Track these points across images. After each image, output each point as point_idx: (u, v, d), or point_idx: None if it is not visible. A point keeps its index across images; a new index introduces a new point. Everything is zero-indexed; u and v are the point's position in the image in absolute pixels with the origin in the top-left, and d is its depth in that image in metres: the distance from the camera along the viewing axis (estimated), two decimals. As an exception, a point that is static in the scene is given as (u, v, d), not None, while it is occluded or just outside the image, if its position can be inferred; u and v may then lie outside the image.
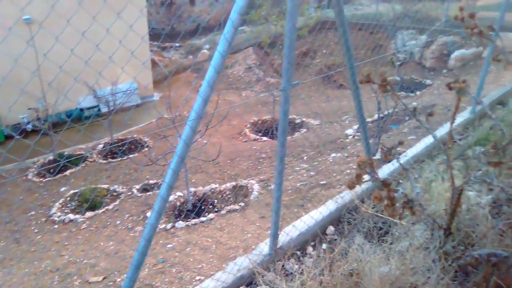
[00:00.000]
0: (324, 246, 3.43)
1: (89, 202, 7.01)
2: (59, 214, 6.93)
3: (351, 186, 1.82)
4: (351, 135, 7.80)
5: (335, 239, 3.57)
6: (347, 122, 8.91)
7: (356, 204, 3.72)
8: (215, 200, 6.63)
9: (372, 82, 2.24)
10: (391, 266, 2.39)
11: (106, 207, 6.98)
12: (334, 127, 8.87)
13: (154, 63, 14.54)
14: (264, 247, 3.34)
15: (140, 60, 10.55)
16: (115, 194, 7.51)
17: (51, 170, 8.67)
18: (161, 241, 5.39)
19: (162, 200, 2.21)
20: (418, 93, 9.51)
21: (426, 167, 4.13)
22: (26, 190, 8.13)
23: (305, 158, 7.28)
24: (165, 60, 15.70)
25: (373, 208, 3.56)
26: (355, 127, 8.02)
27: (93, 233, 6.23)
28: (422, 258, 2.32)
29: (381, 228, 3.42)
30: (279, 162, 2.91)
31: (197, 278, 4.07)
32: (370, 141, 6.35)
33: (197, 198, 6.69)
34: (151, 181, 7.55)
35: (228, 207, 6.06)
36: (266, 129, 9.55)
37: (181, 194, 6.77)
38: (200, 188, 6.94)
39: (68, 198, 7.45)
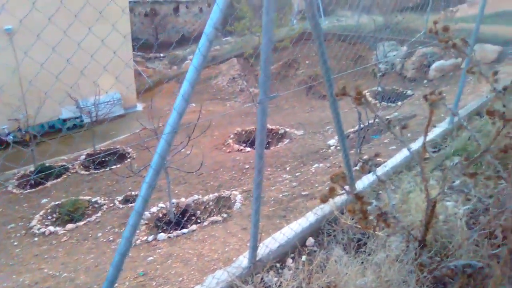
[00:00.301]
0: (303, 258, 3.43)
1: (70, 214, 6.93)
2: (39, 226, 6.82)
3: (324, 200, 1.83)
4: (333, 145, 7.84)
5: (315, 251, 3.57)
6: (329, 133, 8.97)
7: (336, 215, 3.73)
8: (198, 212, 6.60)
9: (347, 95, 2.26)
10: (367, 279, 2.39)
11: (88, 219, 6.89)
12: (317, 138, 8.91)
13: (138, 74, 14.50)
14: (243, 260, 3.32)
15: (123, 71, 10.51)
16: (96, 205, 7.42)
17: (32, 182, 8.56)
18: (142, 254, 5.34)
19: (137, 214, 2.20)
20: (399, 103, 9.61)
21: (405, 177, 4.17)
22: (5, 202, 7.99)
23: (288, 168, 7.30)
24: (149, 70, 15.67)
25: (352, 219, 3.58)
26: (344, 134, 8.08)
27: (74, 245, 6.14)
28: (397, 271, 2.33)
29: (360, 240, 3.44)
30: (257, 174, 2.91)
31: (177, 291, 4.04)
32: (352, 151, 6.42)
33: (179, 209, 6.65)
34: (133, 193, 7.48)
35: (211, 219, 6.03)
36: (249, 140, 9.55)
37: (164, 206, 6.72)
38: (183, 199, 6.91)
39: (49, 210, 7.34)
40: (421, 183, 3.74)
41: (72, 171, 9.13)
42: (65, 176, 8.90)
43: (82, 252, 5.79)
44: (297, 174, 6.83)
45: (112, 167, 8.96)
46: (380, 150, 6.59)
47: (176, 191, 7.30)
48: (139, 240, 5.76)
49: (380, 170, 4.70)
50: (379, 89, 10.08)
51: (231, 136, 9.94)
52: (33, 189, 8.40)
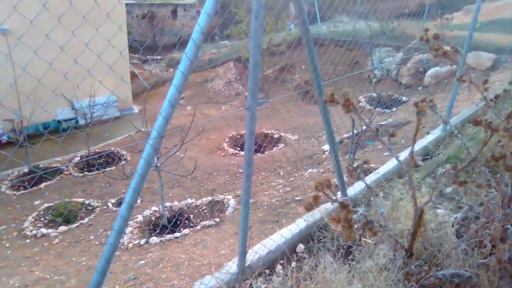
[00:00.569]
0: (293, 264, 3.42)
1: (63, 216, 6.89)
2: (31, 228, 6.78)
3: (308, 208, 1.82)
4: (327, 150, 7.84)
5: (304, 258, 3.56)
6: (324, 138, 8.96)
7: (327, 221, 3.72)
8: (191, 215, 6.59)
9: (336, 102, 2.25)
10: (355, 287, 2.38)
11: (80, 221, 6.87)
12: (312, 143, 8.91)
13: (134, 76, 14.47)
14: (232, 266, 3.31)
15: (119, 73, 10.50)
16: (90, 208, 7.39)
17: (26, 183, 8.52)
18: (134, 257, 5.33)
19: (123, 219, 2.18)
20: (394, 109, 9.62)
21: (395, 185, 4.16)
22: (-2, 203, 7.96)
23: (281, 173, 7.29)
24: (145, 73, 15.65)
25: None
26: (335, 141, 8.09)
27: (66, 248, 6.12)
28: (384, 279, 2.32)
29: (350, 247, 3.43)
30: (246, 180, 2.90)
31: (167, 296, 4.02)
32: (346, 157, 6.42)
33: (172, 213, 6.63)
34: (127, 195, 7.45)
35: (203, 223, 6.02)
36: (244, 144, 9.53)
37: (157, 209, 6.70)
38: (176, 202, 6.89)
39: (42, 212, 7.30)
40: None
41: (66, 172, 9.10)
42: (59, 178, 8.86)
43: (74, 255, 5.76)
44: (291, 179, 6.83)
45: (106, 169, 8.93)
46: (374, 156, 6.59)
47: (170, 194, 7.28)
48: (131, 244, 5.74)
49: (372, 177, 4.69)
50: (375, 95, 10.09)
51: (226, 140, 9.94)
52: (27, 191, 8.36)
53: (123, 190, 7.72)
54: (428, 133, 6.12)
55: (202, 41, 2.13)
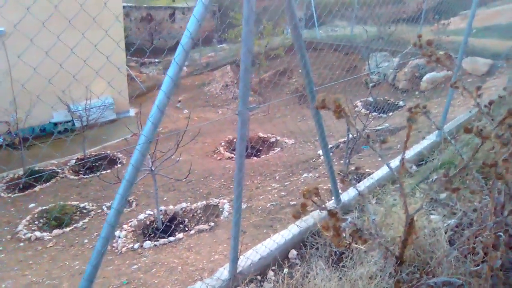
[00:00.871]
0: (285, 271, 3.39)
1: (57, 220, 6.86)
2: (25, 231, 6.75)
3: (296, 216, 1.80)
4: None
5: (297, 264, 3.53)
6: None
7: (319, 227, 3.70)
8: (186, 219, 6.56)
9: (327, 108, 2.23)
10: (345, 294, 2.36)
11: (75, 225, 6.84)
12: (308, 147, 8.90)
13: (131, 79, 14.46)
14: (223, 272, 3.28)
15: (116, 76, 10.48)
16: (84, 211, 7.36)
17: (20, 186, 8.49)
18: (127, 262, 5.29)
19: (110, 226, 2.15)
20: (390, 114, 9.62)
21: (389, 190, 4.15)
22: (-8, 206, 7.92)
23: (277, 177, 7.27)
24: (142, 75, 15.64)
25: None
26: (328, 146, 8.07)
27: (60, 252, 6.08)
28: (374, 287, 2.30)
29: (342, 253, 3.40)
30: (237, 185, 2.87)
31: (158, 301, 3.99)
32: (341, 161, 6.40)
33: (167, 217, 6.60)
34: (121, 199, 7.42)
35: (198, 227, 5.99)
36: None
37: (151, 213, 6.67)
38: (171, 206, 6.86)
39: (36, 215, 7.27)
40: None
41: (61, 175, 9.06)
42: (54, 181, 8.83)
43: (67, 259, 5.73)
44: (286, 183, 6.80)
45: (102, 172, 8.90)
46: (369, 161, 6.58)
47: (165, 198, 7.26)
48: (125, 248, 5.71)
49: (366, 183, 4.68)
50: (371, 99, 10.09)
51: (222, 143, 9.92)
52: (21, 193, 8.33)
53: (118, 194, 7.68)
54: (423, 138, 6.11)
55: (191, 46, 2.11)
